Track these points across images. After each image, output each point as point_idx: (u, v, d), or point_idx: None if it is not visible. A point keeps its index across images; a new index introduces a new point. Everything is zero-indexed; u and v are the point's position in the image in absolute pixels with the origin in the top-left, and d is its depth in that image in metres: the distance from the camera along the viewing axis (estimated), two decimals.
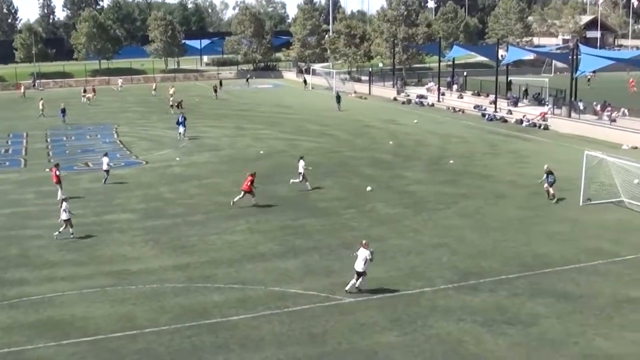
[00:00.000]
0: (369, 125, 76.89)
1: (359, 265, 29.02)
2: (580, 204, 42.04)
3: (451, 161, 55.96)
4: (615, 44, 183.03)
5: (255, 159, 59.01)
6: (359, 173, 52.48)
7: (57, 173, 46.13)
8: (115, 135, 73.66)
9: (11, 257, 35.63)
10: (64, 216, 37.61)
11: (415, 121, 78.34)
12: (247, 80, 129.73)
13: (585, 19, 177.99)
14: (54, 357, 24.75)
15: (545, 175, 43.58)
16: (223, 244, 36.68)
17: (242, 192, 43.04)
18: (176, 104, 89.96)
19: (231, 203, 43.06)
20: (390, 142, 64.98)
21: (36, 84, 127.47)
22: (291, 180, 47.73)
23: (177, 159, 59.69)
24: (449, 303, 28.34)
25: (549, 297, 28.49)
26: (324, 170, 53.59)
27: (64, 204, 37.75)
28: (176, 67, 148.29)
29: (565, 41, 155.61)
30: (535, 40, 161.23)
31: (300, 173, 47.60)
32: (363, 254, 29.04)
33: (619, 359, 23.70)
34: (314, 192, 46.75)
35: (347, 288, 29.40)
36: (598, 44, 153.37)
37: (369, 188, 46.35)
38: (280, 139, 68.60)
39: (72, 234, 37.73)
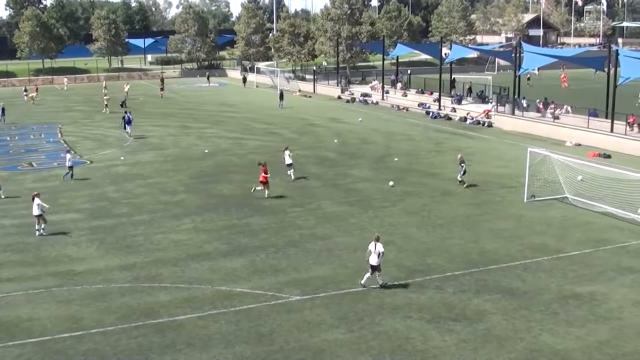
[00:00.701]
0: (314, 123, 76.94)
1: (373, 260, 28.82)
2: (525, 200, 42.48)
3: (396, 159, 56.20)
4: (558, 41, 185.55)
5: (199, 157, 58.71)
6: (305, 171, 52.42)
7: None
8: (60, 135, 72.76)
9: None
10: (35, 211, 37.90)
11: (360, 119, 78.52)
12: (207, 78, 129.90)
13: (528, 17, 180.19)
14: None
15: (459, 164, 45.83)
16: (169, 243, 36.42)
17: (261, 184, 44.50)
18: (120, 103, 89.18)
19: (252, 190, 44.86)
20: (335, 141, 65.06)
21: None
22: (289, 172, 49.08)
23: (122, 158, 59.13)
24: (396, 300, 28.43)
25: (495, 294, 28.73)
26: (270, 169, 53.37)
27: (37, 199, 37.91)
28: (120, 66, 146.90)
29: (508, 39, 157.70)
30: (479, 38, 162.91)
31: (290, 164, 48.77)
32: (377, 248, 28.83)
33: (565, 354, 23.95)
34: (258, 191, 46.61)
35: (362, 281, 29.48)
36: (541, 42, 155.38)
37: (391, 183, 46.78)
38: (225, 138, 68.32)
39: (43, 230, 38.06)
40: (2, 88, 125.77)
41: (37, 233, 38.02)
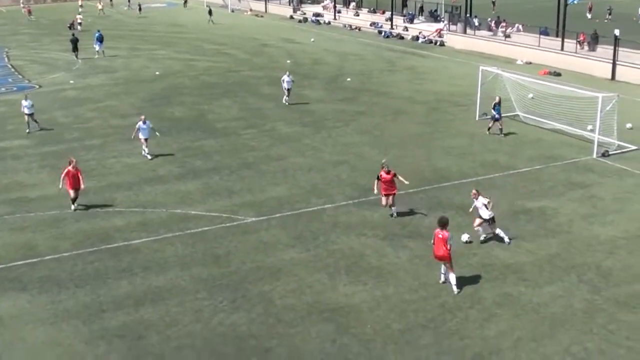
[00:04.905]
0: (267, 44, 76.32)
1: (484, 214, 26.14)
2: (477, 118, 42.76)
3: (349, 79, 56.11)
4: None
5: (151, 80, 58.12)
6: (258, 92, 52.21)
7: None
8: (7, 59, 71.40)
9: None
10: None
11: (312, 40, 78.06)
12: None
13: None
14: None
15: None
16: (122, 167, 36.22)
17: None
18: (68, 25, 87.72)
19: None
20: (288, 61, 64.63)
21: None
22: (285, 99, 48.40)
23: (71, 82, 58.30)
24: (350, 219, 28.68)
25: (448, 210, 28.90)
26: (222, 90, 53.20)
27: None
28: None
29: None
30: None
31: (289, 89, 48.07)
32: (480, 202, 26.29)
33: (517, 268, 24.41)
34: (211, 113, 46.39)
35: (482, 237, 26.71)
36: None
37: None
38: (176, 59, 67.62)
39: None
40: None
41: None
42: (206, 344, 20.37)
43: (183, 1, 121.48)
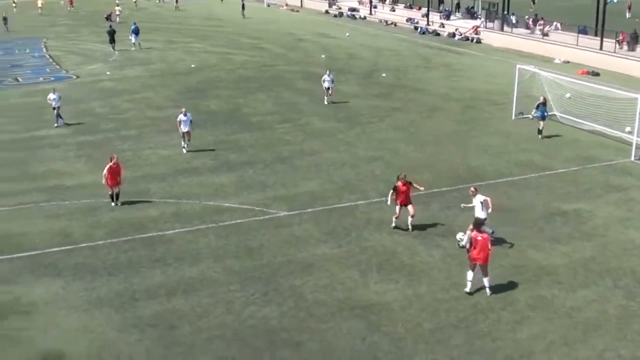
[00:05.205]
0: (302, 38, 76.33)
1: (480, 213, 25.51)
2: (513, 117, 42.49)
3: (384, 74, 55.96)
4: None
5: (187, 72, 58.36)
6: (293, 87, 52.25)
7: None
8: (45, 50, 72.00)
9: None
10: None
11: (348, 35, 77.93)
12: None
13: None
14: None
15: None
16: (157, 158, 36.40)
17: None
18: (106, 16, 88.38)
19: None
20: (323, 56, 64.63)
21: None
22: (326, 100, 47.23)
23: (108, 73, 58.70)
24: (383, 215, 28.51)
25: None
26: (257, 85, 53.24)
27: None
28: None
29: None
30: None
31: (328, 88, 47.01)
32: (478, 200, 25.88)
33: (550, 270, 24.18)
34: (246, 107, 46.47)
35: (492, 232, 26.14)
36: None
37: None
38: (212, 53, 67.84)
39: None
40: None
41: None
42: (237, 336, 20.41)
43: None
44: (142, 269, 24.53)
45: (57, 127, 42.16)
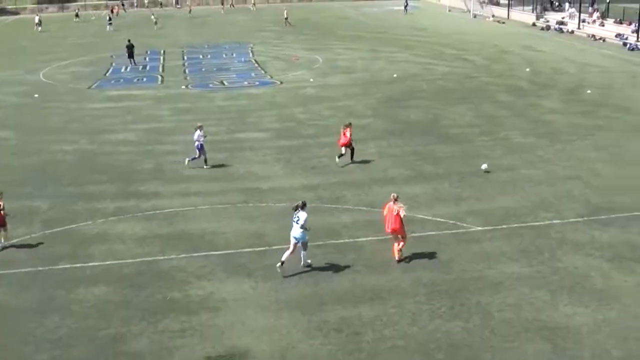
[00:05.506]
0: (506, 50, 75.35)
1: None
2: None
3: (589, 91, 54.45)
4: None
5: (388, 82, 58.80)
6: (494, 100, 51.71)
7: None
8: (251, 55, 74.45)
9: (147, 171, 36.86)
10: (197, 143, 36.39)
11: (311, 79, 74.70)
12: (405, 8, 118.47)
13: None
14: (185, 268, 25.62)
15: None
16: (353, 166, 36.86)
17: (343, 148, 37.44)
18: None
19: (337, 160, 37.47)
20: (527, 69, 63.58)
21: (178, 1, 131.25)
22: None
23: (311, 80, 60.02)
24: (578, 237, 27.83)
25: None
26: (458, 96, 53.03)
27: (198, 132, 36.24)
28: None
29: None
30: None
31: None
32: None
33: None
34: (445, 118, 46.35)
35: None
36: None
37: (484, 166, 36.33)
38: (414, 63, 68.06)
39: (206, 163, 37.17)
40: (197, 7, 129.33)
41: (187, 163, 36.84)
42: (419, 348, 20.42)
43: (404, 7, 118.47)
44: (331, 274, 24.96)
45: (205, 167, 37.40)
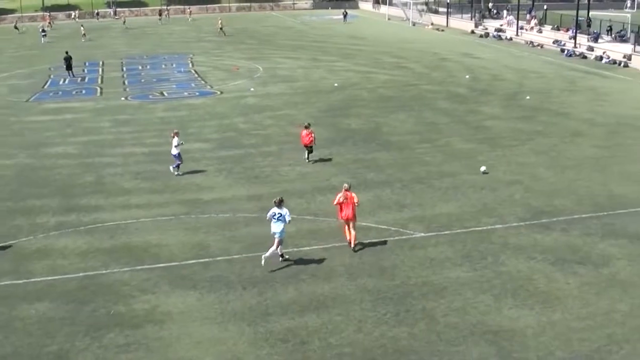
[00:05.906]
0: (446, 58, 76.03)
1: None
2: None
3: (528, 97, 55.13)
4: None
5: (329, 91, 58.90)
6: (435, 107, 52.08)
7: None
8: (191, 65, 74.11)
9: (87, 184, 36.39)
10: (174, 151, 36.76)
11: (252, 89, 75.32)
12: (344, 16, 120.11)
13: None
14: (128, 282, 25.30)
15: None
16: (296, 175, 36.87)
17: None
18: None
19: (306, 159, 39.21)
20: (467, 76, 64.20)
21: (115, 12, 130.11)
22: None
23: (252, 89, 59.90)
24: (520, 241, 28.13)
25: (622, 239, 28.06)
26: (398, 104, 53.31)
27: (176, 139, 36.55)
28: None
29: None
30: None
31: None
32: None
33: None
34: (386, 126, 46.56)
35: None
36: None
37: (483, 168, 37.39)
38: (354, 71, 68.30)
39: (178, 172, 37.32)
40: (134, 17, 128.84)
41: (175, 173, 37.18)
42: (366, 354, 20.43)
43: (343, 15, 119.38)
44: (276, 284, 24.87)
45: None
